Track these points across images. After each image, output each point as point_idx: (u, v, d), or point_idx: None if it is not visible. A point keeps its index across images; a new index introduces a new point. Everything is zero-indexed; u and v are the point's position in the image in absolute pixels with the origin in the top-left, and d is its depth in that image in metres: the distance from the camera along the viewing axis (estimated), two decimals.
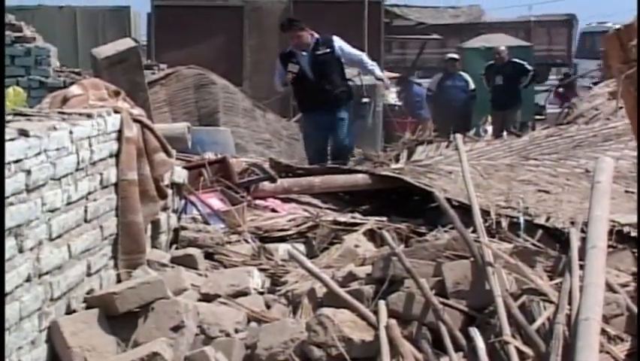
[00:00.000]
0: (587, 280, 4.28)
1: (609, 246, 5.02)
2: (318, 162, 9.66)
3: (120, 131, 5.25)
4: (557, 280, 4.69)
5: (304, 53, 10.23)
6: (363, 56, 10.74)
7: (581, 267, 4.52)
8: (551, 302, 4.40)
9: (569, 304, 4.29)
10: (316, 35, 10.38)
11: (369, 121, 14.08)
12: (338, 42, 10.42)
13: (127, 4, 21.63)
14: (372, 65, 10.63)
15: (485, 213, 6.24)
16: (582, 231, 5.22)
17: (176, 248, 6.16)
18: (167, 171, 5.92)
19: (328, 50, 10.25)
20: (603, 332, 4.14)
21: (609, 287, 4.50)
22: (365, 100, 13.83)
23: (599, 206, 4.90)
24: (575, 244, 4.89)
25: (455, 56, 17.76)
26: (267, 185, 7.84)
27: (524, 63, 17.15)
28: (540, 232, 6.43)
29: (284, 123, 14.78)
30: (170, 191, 6.13)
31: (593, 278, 4.29)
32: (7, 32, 13.04)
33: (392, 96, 20.97)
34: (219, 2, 19.01)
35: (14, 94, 8.58)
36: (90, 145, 4.80)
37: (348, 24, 18.57)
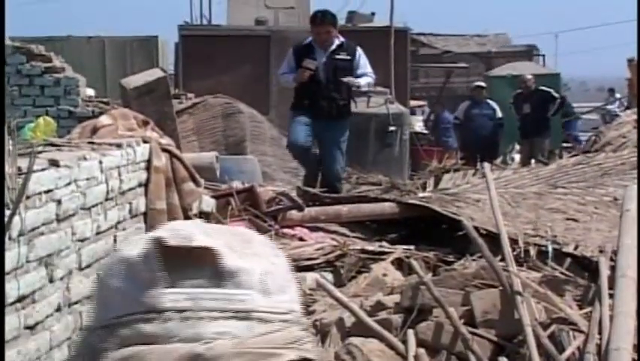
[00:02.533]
0: (617, 310, 4.25)
1: (639, 275, 4.99)
2: (302, 149, 9.43)
3: (149, 161, 5.29)
4: (587, 310, 4.66)
5: (323, 53, 9.53)
6: (372, 75, 9.90)
7: (611, 296, 4.50)
8: (581, 332, 4.38)
9: (599, 333, 4.27)
10: (342, 38, 9.72)
11: (396, 149, 14.06)
12: (361, 53, 9.76)
13: (155, 33, 21.77)
14: (366, 79, 9.73)
15: (513, 241, 6.21)
16: (611, 259, 5.19)
17: None
18: (195, 200, 5.95)
19: (349, 58, 9.59)
20: None
21: None
22: (392, 128, 13.84)
23: (628, 234, 4.88)
24: (605, 272, 4.86)
25: (482, 84, 17.77)
26: (294, 214, 7.85)
27: (551, 91, 17.14)
28: (568, 260, 6.39)
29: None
30: (198, 220, 6.15)
31: (623, 307, 4.26)
32: (37, 63, 13.19)
33: (419, 124, 21.02)
34: (246, 31, 19.13)
35: (45, 124, 8.66)
36: (119, 175, 4.84)
37: (374, 52, 18.63)
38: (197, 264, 1.00)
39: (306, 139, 9.47)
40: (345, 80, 9.44)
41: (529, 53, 27.31)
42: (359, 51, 9.73)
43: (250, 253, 1.04)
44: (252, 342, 1.00)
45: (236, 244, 1.04)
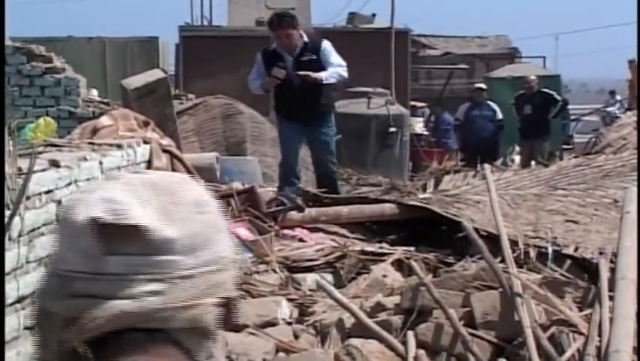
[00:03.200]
0: (617, 312, 4.26)
1: (639, 277, 4.99)
2: (291, 168, 9.10)
3: (149, 162, 5.30)
4: (587, 312, 4.66)
5: (290, 58, 9.09)
6: (341, 67, 9.25)
7: (611, 298, 4.50)
8: (581, 334, 4.38)
9: (599, 335, 4.27)
10: (305, 38, 9.24)
11: (397, 150, 14.07)
12: (325, 46, 9.26)
13: (155, 34, 21.78)
14: (333, 71, 9.14)
15: (513, 243, 6.21)
16: (611, 261, 5.19)
17: None
18: None
19: (314, 57, 9.11)
20: None
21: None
22: (392, 130, 13.84)
23: (628, 236, 4.88)
24: (605, 274, 4.86)
25: (482, 85, 17.78)
26: (294, 214, 7.86)
27: (553, 93, 17.16)
28: (568, 262, 6.39)
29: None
30: None
31: (623, 309, 4.26)
32: (37, 63, 13.20)
33: (419, 125, 21.02)
34: (246, 32, 19.14)
35: (45, 124, 8.64)
36: None
37: (375, 54, 18.67)
38: (130, 236, 1.20)
39: (296, 165, 9.23)
40: (303, 74, 8.96)
41: (511, 55, 27.23)
42: (323, 45, 9.27)
43: (178, 218, 1.23)
44: (176, 296, 1.21)
45: (168, 206, 1.23)
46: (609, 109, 26.09)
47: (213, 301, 1.25)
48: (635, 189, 5.46)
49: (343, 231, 7.92)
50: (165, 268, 1.22)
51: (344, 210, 8.02)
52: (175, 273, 1.22)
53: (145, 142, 5.35)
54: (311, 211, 7.98)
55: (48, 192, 3.95)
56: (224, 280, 1.27)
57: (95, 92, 13.65)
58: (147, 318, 1.21)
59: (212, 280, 1.25)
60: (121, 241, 1.20)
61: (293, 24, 9.18)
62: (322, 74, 9.06)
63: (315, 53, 9.12)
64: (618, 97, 27.65)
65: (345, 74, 9.30)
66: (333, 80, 9.24)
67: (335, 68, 9.18)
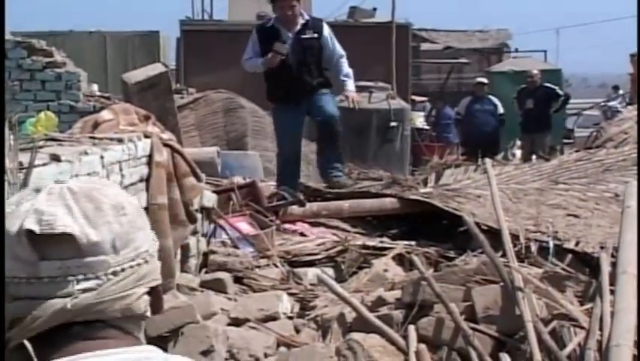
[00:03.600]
0: (618, 306, 4.26)
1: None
2: (289, 159, 8.76)
3: (150, 156, 5.29)
4: (588, 306, 4.66)
5: (290, 34, 8.67)
6: (344, 59, 9.02)
7: (612, 292, 4.50)
8: (582, 328, 4.38)
9: (600, 329, 4.27)
10: (306, 16, 8.93)
11: (397, 145, 14.04)
12: (327, 30, 8.95)
13: (156, 28, 21.76)
14: (345, 75, 9.02)
15: (514, 237, 6.21)
16: (612, 255, 5.19)
17: (206, 272, 6.18)
18: (196, 196, 5.94)
19: (316, 36, 8.75)
20: (635, 358, 4.11)
21: None
22: (393, 124, 13.82)
23: (629, 231, 4.88)
24: (606, 269, 4.86)
25: (484, 80, 17.76)
26: (295, 209, 7.86)
27: (556, 88, 17.16)
28: (569, 256, 6.39)
29: (312, 147, 14.80)
30: (199, 215, 6.15)
31: (624, 304, 4.26)
32: (38, 58, 13.19)
33: (420, 120, 21.01)
34: (247, 26, 19.07)
35: (46, 119, 8.64)
36: (121, 170, 4.84)
37: (375, 48, 18.64)
38: (60, 243, 1.37)
39: (295, 153, 8.91)
40: (349, 96, 9.05)
41: (499, 50, 27.15)
42: (326, 29, 8.95)
43: (102, 221, 1.41)
44: (108, 291, 1.40)
45: (90, 212, 1.40)
46: (611, 103, 26.06)
47: (141, 291, 1.44)
48: (635, 183, 5.45)
49: (344, 225, 7.93)
50: (95, 267, 1.39)
51: (345, 204, 8.02)
52: (104, 271, 1.40)
53: (146, 136, 5.34)
54: (312, 206, 7.98)
55: None
56: (148, 272, 1.46)
57: (95, 87, 13.63)
58: (84, 312, 1.39)
59: (138, 273, 1.43)
60: (52, 247, 1.38)
61: None
62: (352, 86, 9.17)
63: (316, 31, 8.79)
64: (621, 92, 27.62)
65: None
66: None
67: (343, 66, 9.03)
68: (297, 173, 8.94)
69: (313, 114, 8.90)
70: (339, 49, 9.02)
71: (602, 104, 26.35)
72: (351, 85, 9.18)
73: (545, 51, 28.68)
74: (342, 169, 9.03)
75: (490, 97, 16.93)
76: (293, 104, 8.76)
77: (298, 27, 8.71)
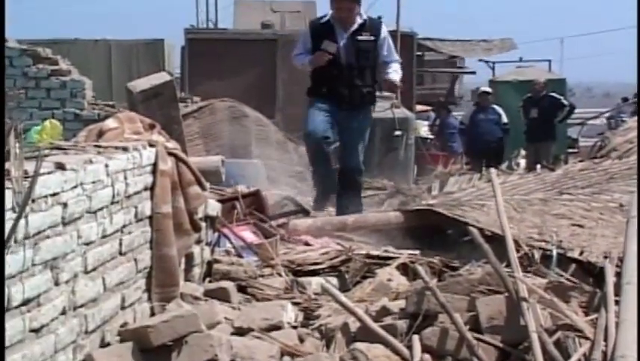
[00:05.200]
0: (623, 317, 4.24)
1: None
2: (319, 145, 8.36)
3: (155, 165, 5.28)
4: (593, 316, 4.65)
5: (344, 33, 8.34)
6: (395, 62, 8.69)
7: (617, 303, 4.49)
8: (587, 338, 4.37)
9: (605, 340, 4.26)
10: (365, 16, 8.48)
11: (402, 154, 14.07)
12: (385, 32, 8.60)
13: (161, 37, 21.79)
14: (394, 70, 8.62)
15: (519, 247, 6.21)
16: (617, 266, 5.18)
17: (210, 281, 6.18)
18: (201, 205, 5.94)
19: (373, 38, 8.41)
20: None
21: None
22: (397, 133, 13.85)
23: (634, 241, 4.87)
24: (611, 279, 4.85)
25: (488, 89, 17.79)
26: (299, 224, 7.85)
27: (561, 98, 17.19)
28: (573, 266, 6.39)
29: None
30: (203, 224, 6.15)
31: (629, 314, 4.25)
32: (43, 66, 13.24)
33: (424, 129, 21.01)
34: (252, 35, 19.14)
35: (51, 127, 8.68)
36: (125, 178, 4.84)
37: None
38: None
39: (325, 130, 8.40)
40: (388, 80, 8.54)
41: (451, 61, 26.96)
42: (384, 30, 8.60)
43: None
44: None
45: None
46: (621, 114, 26.01)
47: None
48: None
49: (349, 234, 7.92)
50: None
51: (349, 219, 8.03)
52: None
53: (151, 145, 5.34)
54: (316, 221, 7.98)
55: (54, 194, 3.95)
56: None
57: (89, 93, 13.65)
58: None
59: None
60: None
61: (358, 0, 8.39)
62: (396, 78, 8.62)
63: (373, 34, 8.42)
64: (631, 101, 27.58)
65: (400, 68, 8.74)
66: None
67: (396, 65, 8.64)
68: (328, 169, 8.56)
69: (342, 149, 8.58)
70: (395, 55, 8.72)
71: (609, 115, 26.33)
72: (394, 75, 8.62)
73: (550, 60, 28.68)
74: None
75: (494, 106, 16.95)
76: (331, 103, 8.40)
77: (355, 27, 8.36)
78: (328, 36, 8.26)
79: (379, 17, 21.41)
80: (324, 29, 8.35)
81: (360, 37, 8.34)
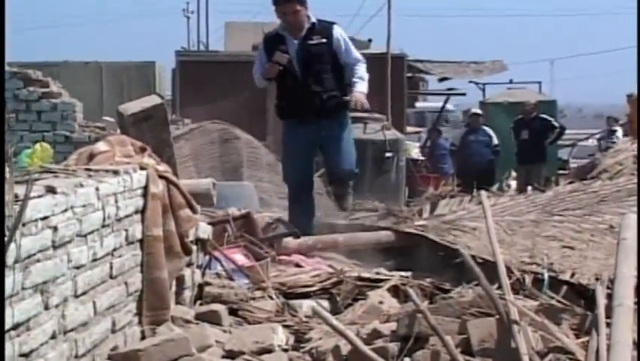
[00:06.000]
0: (615, 339, 4.24)
1: (636, 303, 4.98)
2: (299, 189, 8.19)
3: (146, 188, 5.28)
4: (584, 339, 4.65)
5: (295, 41, 7.96)
6: (360, 64, 8.15)
7: (608, 325, 4.49)
8: None
9: None
10: (313, 19, 8.02)
11: (393, 176, 14.09)
12: (338, 32, 8.09)
13: (152, 59, 21.83)
14: (359, 77, 8.07)
15: (509, 269, 6.21)
16: (608, 287, 5.19)
17: (201, 304, 6.16)
18: (192, 227, 5.94)
19: (324, 41, 7.93)
20: None
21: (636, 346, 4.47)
22: (388, 154, 13.86)
23: (625, 263, 4.87)
24: (602, 301, 4.85)
25: (478, 111, 17.85)
26: (291, 242, 7.85)
27: (552, 120, 17.25)
28: (565, 288, 6.40)
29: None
30: (194, 247, 6.14)
31: (620, 337, 4.25)
32: (34, 88, 13.25)
33: (415, 151, 21.04)
34: (243, 57, 19.16)
35: (42, 150, 8.68)
36: (116, 201, 4.83)
37: (371, 78, 18.71)
38: None
39: (304, 169, 8.21)
40: (355, 97, 7.92)
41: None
42: (336, 31, 8.06)
43: None
44: None
45: None
46: (618, 133, 26.05)
47: None
48: (632, 215, 5.45)
49: (340, 256, 7.92)
50: None
51: (340, 238, 8.02)
52: None
53: (141, 168, 5.34)
54: (307, 239, 7.98)
55: (44, 218, 3.94)
56: None
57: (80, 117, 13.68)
58: None
59: None
60: None
61: (302, 0, 7.93)
62: (362, 88, 8.05)
63: (324, 36, 7.95)
64: (621, 122, 27.64)
65: (365, 68, 8.18)
66: (365, 84, 8.09)
67: (358, 69, 8.10)
68: (307, 208, 8.24)
69: (325, 159, 8.30)
70: (356, 54, 8.18)
71: (599, 135, 26.38)
72: (361, 86, 8.07)
73: (540, 82, 28.77)
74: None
75: (485, 128, 17.01)
76: (299, 119, 8.07)
77: (304, 32, 7.97)
78: (279, 47, 7.92)
79: (369, 40, 21.40)
80: (276, 41, 8.03)
81: (310, 42, 7.93)
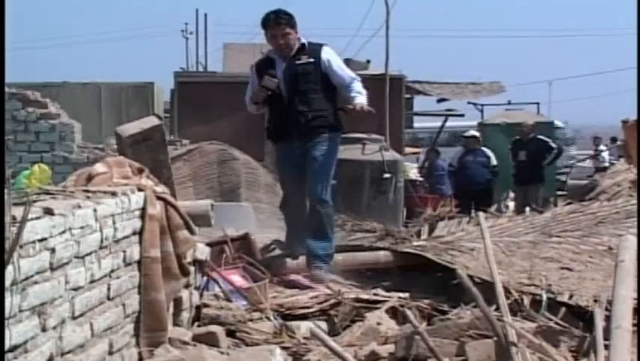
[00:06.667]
0: None
1: (634, 325, 4.98)
2: (296, 206, 7.99)
3: (144, 209, 5.28)
4: None
5: (283, 63, 7.83)
6: (356, 82, 7.92)
7: (606, 347, 4.49)
8: None
9: None
10: (303, 40, 7.90)
11: (391, 196, 14.07)
12: (327, 53, 7.91)
13: (151, 80, 21.87)
14: (357, 92, 7.84)
15: (508, 291, 6.21)
16: (606, 309, 5.18)
17: (198, 326, 6.15)
18: (189, 249, 5.93)
19: (312, 60, 7.79)
20: None
21: None
22: (386, 175, 13.85)
23: (623, 285, 4.88)
24: (600, 323, 4.85)
25: (476, 133, 17.85)
26: (289, 263, 7.84)
27: (549, 141, 17.27)
28: (563, 310, 6.39)
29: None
30: (192, 268, 6.14)
31: (618, 359, 4.25)
32: (32, 109, 13.25)
33: (413, 171, 21.03)
34: (242, 78, 19.14)
35: (40, 171, 8.68)
36: (114, 223, 4.83)
37: (369, 100, 18.70)
38: None
39: (300, 193, 7.95)
40: (356, 106, 7.67)
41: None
42: (325, 51, 7.89)
43: None
44: None
45: None
46: (603, 154, 26.15)
47: None
48: (631, 237, 5.46)
49: (338, 277, 7.90)
50: None
51: (338, 257, 8.01)
52: None
53: (139, 189, 5.34)
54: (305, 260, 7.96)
55: (42, 240, 3.94)
56: None
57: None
58: None
59: None
60: None
61: (292, 23, 7.80)
62: (362, 100, 7.79)
63: (312, 56, 7.80)
64: (619, 143, 27.73)
65: (360, 84, 7.95)
66: (363, 99, 7.84)
67: (354, 87, 7.86)
68: (302, 228, 7.98)
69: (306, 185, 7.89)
70: (349, 72, 8.01)
71: (595, 152, 26.46)
72: (361, 99, 7.84)
73: (538, 103, 28.85)
74: (326, 259, 7.82)
75: (484, 149, 17.02)
76: (286, 140, 7.91)
77: (293, 52, 7.82)
78: (268, 71, 7.77)
79: (368, 61, 21.42)
80: (266, 65, 7.89)
81: (297, 62, 7.77)
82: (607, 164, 24.18)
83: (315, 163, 7.78)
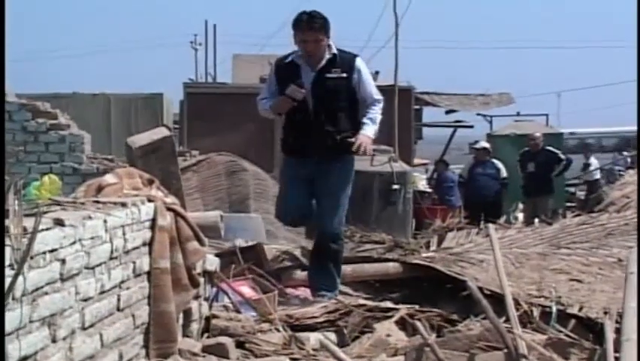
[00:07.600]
0: None
1: None
2: (297, 220, 7.66)
3: (154, 220, 5.29)
4: None
5: (312, 73, 7.12)
6: (377, 105, 7.30)
7: (617, 359, 4.48)
8: None
9: None
10: (334, 49, 7.14)
11: (400, 208, 14.07)
12: (360, 66, 7.23)
13: (160, 91, 21.91)
14: (369, 119, 7.21)
15: (517, 302, 6.20)
16: (616, 321, 5.18)
17: (208, 337, 6.15)
18: (199, 260, 5.94)
19: (344, 75, 7.10)
20: None
21: None
22: (395, 187, 13.85)
23: (632, 297, 4.86)
24: (610, 335, 4.84)
25: (486, 145, 17.85)
26: (298, 274, 7.84)
27: (558, 152, 17.25)
28: (573, 321, 6.37)
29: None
30: (202, 279, 6.14)
31: None
32: (42, 120, 13.28)
33: (422, 183, 21.03)
34: (250, 89, 19.23)
35: (50, 182, 8.70)
36: (124, 234, 4.84)
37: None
38: None
39: (299, 207, 7.40)
40: (353, 141, 7.07)
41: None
42: (358, 64, 7.22)
43: None
44: None
45: None
46: (615, 167, 26.11)
47: None
48: None
49: (347, 289, 7.90)
50: None
51: (348, 269, 8.00)
52: None
53: (149, 200, 5.35)
54: None
55: (52, 250, 3.95)
56: None
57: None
58: None
59: None
60: None
61: (326, 28, 7.02)
62: (370, 132, 7.22)
63: (345, 70, 7.10)
64: (625, 153, 27.70)
65: (382, 107, 7.39)
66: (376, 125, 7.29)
67: (376, 110, 7.29)
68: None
69: (317, 207, 7.37)
70: (375, 92, 7.33)
71: (608, 167, 26.41)
72: (369, 130, 7.22)
73: (547, 115, 28.84)
74: (331, 290, 7.36)
75: (494, 160, 17.02)
76: (307, 158, 7.25)
77: (323, 63, 7.10)
78: (294, 78, 7.05)
79: (376, 72, 21.48)
80: (289, 70, 7.13)
81: (328, 75, 7.07)
82: (598, 177, 24.17)
83: (330, 191, 7.29)
